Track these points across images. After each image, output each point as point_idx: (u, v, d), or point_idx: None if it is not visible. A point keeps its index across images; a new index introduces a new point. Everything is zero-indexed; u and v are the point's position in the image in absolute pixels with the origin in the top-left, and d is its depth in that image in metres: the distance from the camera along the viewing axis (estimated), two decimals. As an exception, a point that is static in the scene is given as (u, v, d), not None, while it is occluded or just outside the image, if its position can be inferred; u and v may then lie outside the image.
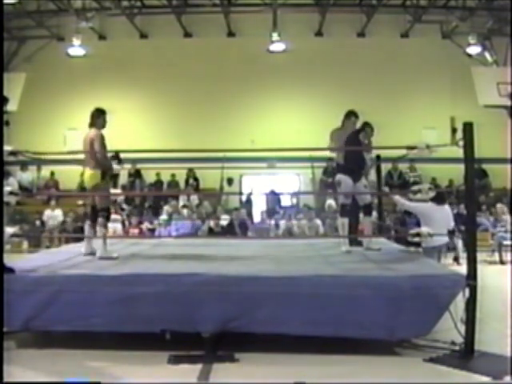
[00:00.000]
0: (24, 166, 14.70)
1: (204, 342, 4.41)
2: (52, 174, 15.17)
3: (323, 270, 5.00)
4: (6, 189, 4.97)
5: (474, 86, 14.90)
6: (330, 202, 12.46)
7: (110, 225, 10.86)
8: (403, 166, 15.07)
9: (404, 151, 5.73)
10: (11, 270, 4.56)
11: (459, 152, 4.65)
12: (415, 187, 5.64)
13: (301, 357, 4.34)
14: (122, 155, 6.59)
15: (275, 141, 13.98)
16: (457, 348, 4.37)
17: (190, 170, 15.02)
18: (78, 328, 4.52)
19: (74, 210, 12.64)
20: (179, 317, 4.43)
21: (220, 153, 10.78)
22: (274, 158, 13.20)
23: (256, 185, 15.46)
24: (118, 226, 11.29)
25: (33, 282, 4.56)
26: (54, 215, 13.14)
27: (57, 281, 4.56)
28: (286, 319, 4.41)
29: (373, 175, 8.43)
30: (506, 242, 10.70)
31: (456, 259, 9.89)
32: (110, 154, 5.88)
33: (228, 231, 11.36)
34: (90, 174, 5.58)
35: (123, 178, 15.00)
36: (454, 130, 14.30)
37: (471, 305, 4.35)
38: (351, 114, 6.24)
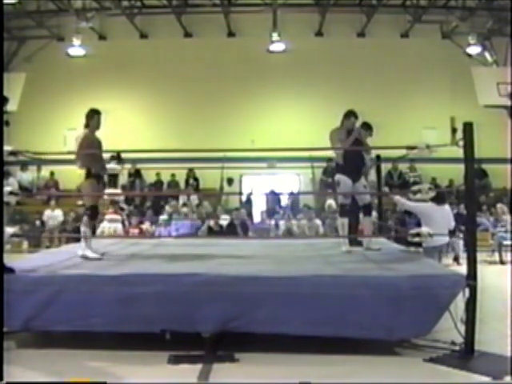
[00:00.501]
0: (24, 166, 14.71)
1: (204, 342, 4.41)
2: (52, 174, 15.18)
3: (323, 270, 5.00)
4: (6, 189, 4.97)
5: (474, 86, 14.91)
6: (330, 202, 12.47)
7: (109, 225, 11.05)
8: (403, 166, 15.07)
9: (404, 151, 5.73)
10: (11, 270, 4.56)
11: (459, 152, 4.65)
12: (415, 187, 5.63)
13: (301, 357, 4.34)
14: (122, 155, 6.63)
15: (275, 141, 13.99)
16: (457, 348, 4.37)
17: (190, 169, 15.03)
18: (78, 328, 4.52)
19: (74, 210, 12.63)
20: (179, 317, 4.43)
21: (220, 153, 10.79)
22: (274, 158, 13.22)
23: (256, 185, 15.46)
24: (118, 226, 11.28)
25: (33, 282, 4.56)
26: (53, 215, 13.14)
27: (57, 281, 4.56)
28: (286, 319, 4.40)
29: (373, 175, 8.44)
30: (506, 242, 10.69)
31: (456, 259, 9.90)
32: (109, 154, 5.89)
33: (229, 231, 11.36)
34: (78, 174, 5.63)
35: (123, 178, 15.03)
36: (453, 130, 14.30)
37: (471, 305, 4.35)
38: (350, 114, 6.22)
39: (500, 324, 5.15)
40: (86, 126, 5.71)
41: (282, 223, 12.44)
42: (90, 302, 4.45)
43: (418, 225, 7.13)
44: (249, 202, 14.19)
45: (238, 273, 4.76)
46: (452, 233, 7.16)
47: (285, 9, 14.87)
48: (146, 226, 12.15)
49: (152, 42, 16.06)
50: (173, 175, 15.30)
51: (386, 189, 11.32)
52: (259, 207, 13.95)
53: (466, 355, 4.29)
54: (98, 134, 5.82)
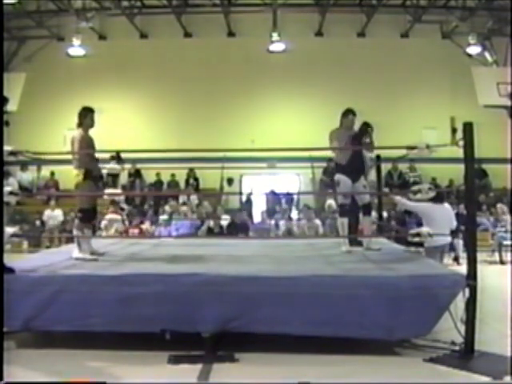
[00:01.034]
0: (24, 166, 14.71)
1: (204, 342, 4.41)
2: (52, 173, 15.18)
3: (323, 269, 5.00)
4: (6, 189, 4.96)
5: (474, 86, 14.91)
6: (330, 202, 12.47)
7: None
8: (403, 166, 15.08)
9: (404, 151, 5.73)
10: (11, 270, 4.56)
11: (459, 152, 4.65)
12: (415, 187, 5.62)
13: (301, 357, 4.34)
14: (122, 155, 6.60)
15: (275, 141, 13.98)
16: (457, 348, 4.37)
17: (191, 169, 15.03)
18: (78, 328, 4.52)
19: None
20: (179, 317, 4.43)
21: (220, 153, 10.78)
22: (274, 158, 13.22)
23: (256, 185, 15.46)
24: (119, 226, 11.28)
25: (33, 282, 4.56)
26: (53, 215, 13.14)
27: (57, 281, 4.56)
28: (286, 319, 4.40)
29: (373, 175, 8.43)
30: (506, 242, 10.70)
31: (456, 259, 9.90)
32: (109, 155, 5.86)
33: (229, 232, 11.37)
34: (74, 174, 5.55)
35: (123, 178, 15.04)
36: (454, 130, 14.30)
37: (471, 305, 4.35)
38: (348, 112, 6.22)
39: (500, 324, 5.15)
40: (80, 124, 5.58)
41: (282, 223, 12.44)
42: (89, 302, 4.45)
43: (418, 225, 7.13)
44: (249, 201, 14.18)
45: (237, 273, 4.76)
46: (454, 233, 7.15)
47: (285, 9, 14.87)
48: (145, 226, 12.15)
49: (152, 41, 16.07)
50: (173, 175, 15.30)
51: (386, 189, 11.32)
52: (259, 207, 13.95)
53: (466, 355, 4.29)
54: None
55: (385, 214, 10.03)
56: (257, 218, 13.45)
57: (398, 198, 7.20)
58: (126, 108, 15.94)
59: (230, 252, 6.23)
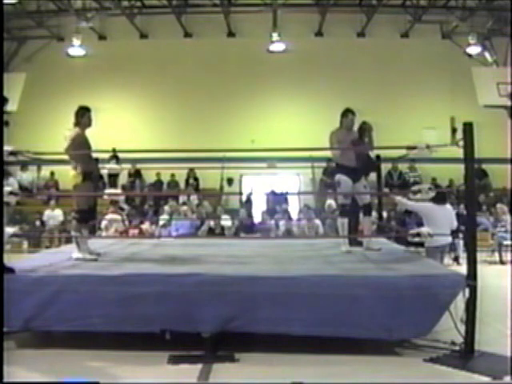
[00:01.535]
0: (24, 166, 14.71)
1: (204, 342, 4.41)
2: (52, 174, 15.18)
3: (323, 269, 5.00)
4: (6, 189, 4.96)
5: (474, 86, 14.92)
6: (330, 202, 12.46)
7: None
8: (403, 166, 15.08)
9: (404, 151, 5.73)
10: (11, 270, 4.56)
11: (459, 152, 4.64)
12: (415, 187, 5.62)
13: (301, 357, 4.34)
14: (121, 155, 6.60)
15: (275, 141, 14.00)
16: (457, 348, 4.37)
17: (191, 169, 15.03)
18: (78, 328, 4.52)
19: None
20: (179, 317, 4.43)
21: (220, 153, 10.78)
22: (274, 158, 13.20)
23: (256, 185, 15.45)
24: (119, 226, 11.27)
25: (33, 282, 4.56)
26: (53, 215, 13.13)
27: (57, 281, 4.57)
28: (286, 319, 4.40)
29: (373, 175, 8.42)
30: (506, 242, 10.69)
31: (456, 259, 9.90)
32: (109, 155, 5.86)
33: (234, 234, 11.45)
34: (72, 174, 5.51)
35: (123, 178, 15.05)
36: (454, 130, 14.29)
37: (471, 305, 4.35)
38: (347, 112, 6.23)
39: (500, 324, 5.15)
40: (76, 124, 5.53)
41: (282, 223, 12.44)
42: (89, 302, 4.46)
43: (418, 225, 7.13)
44: (249, 201, 14.18)
45: (238, 273, 4.76)
46: (454, 233, 7.15)
47: (285, 9, 14.87)
48: (145, 226, 12.15)
49: (152, 42, 16.07)
50: (173, 175, 15.30)
51: (386, 189, 11.32)
52: (259, 207, 13.95)
53: (466, 355, 4.29)
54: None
55: (385, 215, 10.02)
56: (257, 218, 13.45)
57: (398, 198, 7.20)
58: (126, 108, 15.95)
59: (230, 252, 6.24)
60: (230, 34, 16.10)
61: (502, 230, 11.07)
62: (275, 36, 15.28)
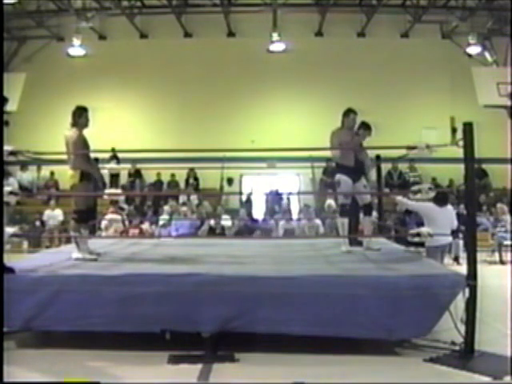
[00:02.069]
0: (24, 166, 14.71)
1: (204, 342, 4.41)
2: (52, 173, 15.18)
3: (323, 269, 5.00)
4: (6, 189, 4.96)
5: (474, 86, 14.91)
6: (330, 201, 12.46)
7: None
8: (403, 166, 15.07)
9: (404, 151, 5.73)
10: (11, 270, 4.56)
11: (459, 152, 4.64)
12: (415, 187, 5.62)
13: (301, 357, 4.34)
14: (121, 155, 6.60)
15: (275, 141, 14.00)
16: (457, 348, 4.37)
17: (191, 169, 15.03)
18: (78, 328, 4.52)
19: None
20: (179, 317, 4.43)
21: (220, 153, 10.78)
22: (274, 158, 13.21)
23: (256, 185, 15.45)
24: (119, 226, 11.27)
25: (33, 281, 4.56)
26: (53, 215, 13.13)
27: (57, 281, 4.56)
28: (286, 319, 4.40)
29: (373, 175, 8.42)
30: (506, 242, 10.69)
31: (456, 259, 9.90)
32: (109, 154, 5.85)
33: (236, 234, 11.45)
34: (70, 175, 5.50)
35: (123, 178, 15.05)
36: (454, 130, 14.30)
37: (471, 305, 4.35)
38: (349, 112, 6.21)
39: (500, 324, 5.15)
40: (74, 124, 5.50)
41: (282, 223, 12.44)
42: (89, 302, 4.45)
43: (418, 225, 7.12)
44: (249, 201, 14.19)
45: (237, 273, 4.76)
46: (454, 233, 7.15)
47: (285, 9, 14.87)
48: (145, 226, 12.15)
49: (152, 41, 16.07)
50: (173, 175, 15.30)
51: (386, 189, 11.31)
52: (259, 207, 13.95)
53: (465, 355, 4.29)
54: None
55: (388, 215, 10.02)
56: (257, 218, 13.45)
57: (399, 198, 7.20)
58: (126, 108, 15.95)
59: (230, 252, 6.24)
60: (230, 34, 16.11)
61: (502, 230, 11.07)
62: (275, 36, 15.28)
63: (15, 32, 15.41)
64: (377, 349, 4.49)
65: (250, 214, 13.33)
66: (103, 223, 10.68)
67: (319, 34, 16.05)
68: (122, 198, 12.90)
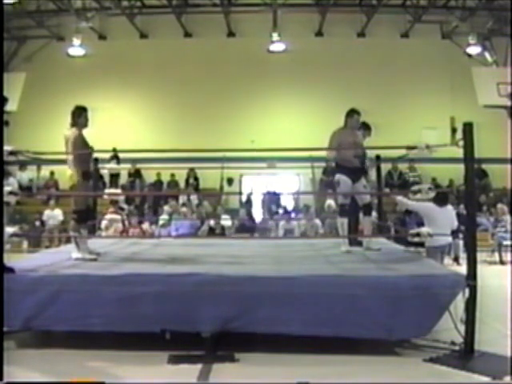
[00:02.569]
0: (24, 166, 14.71)
1: (204, 342, 4.41)
2: (52, 173, 15.18)
3: (323, 269, 5.00)
4: (6, 189, 4.96)
5: (474, 86, 14.92)
6: (330, 201, 12.45)
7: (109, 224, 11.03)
8: (403, 166, 15.07)
9: (404, 151, 5.73)
10: (11, 270, 4.56)
11: (459, 152, 4.64)
12: (415, 187, 5.62)
13: (301, 357, 4.34)
14: (121, 155, 6.60)
15: (275, 141, 14.00)
16: (457, 348, 4.37)
17: (191, 169, 15.03)
18: (78, 328, 4.52)
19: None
20: (179, 317, 4.43)
21: (220, 153, 10.79)
22: (274, 158, 13.21)
23: (256, 185, 15.46)
24: (119, 226, 11.27)
25: (33, 281, 4.55)
26: (53, 215, 13.13)
27: (57, 281, 4.56)
28: (286, 319, 4.40)
29: (373, 175, 8.42)
30: (506, 242, 10.69)
31: (456, 259, 9.90)
32: (109, 154, 5.85)
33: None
34: (69, 175, 5.50)
35: (123, 178, 15.05)
36: (453, 130, 14.31)
37: (471, 305, 4.35)
38: (353, 112, 6.19)
39: (500, 324, 5.15)
40: (73, 124, 5.49)
41: (282, 223, 12.44)
42: (89, 302, 4.45)
43: (418, 225, 7.12)
44: (249, 201, 14.19)
45: (238, 273, 4.76)
46: (454, 233, 7.15)
47: (285, 9, 14.87)
48: (145, 226, 12.15)
49: (152, 41, 16.07)
50: (173, 175, 15.30)
51: (386, 190, 11.31)
52: (259, 207, 13.95)
53: (465, 355, 4.29)
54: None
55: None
56: (257, 217, 13.45)
57: (399, 198, 7.20)
58: (126, 108, 15.95)
59: (230, 252, 6.24)
60: (230, 34, 16.11)
61: (502, 230, 11.07)
62: (275, 36, 15.29)
63: (15, 32, 15.41)
64: (376, 349, 4.49)
65: (249, 213, 13.33)
66: (103, 223, 10.66)
67: (319, 33, 16.05)
68: (122, 197, 12.90)
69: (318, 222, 11.67)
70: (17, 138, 9.77)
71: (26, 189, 14.21)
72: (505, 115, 15.21)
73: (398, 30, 15.99)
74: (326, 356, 4.33)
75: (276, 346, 4.41)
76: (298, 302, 4.41)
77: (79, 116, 5.54)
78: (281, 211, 13.48)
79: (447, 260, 8.06)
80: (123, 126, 15.42)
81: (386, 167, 13.38)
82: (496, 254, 10.68)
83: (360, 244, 6.33)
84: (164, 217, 12.22)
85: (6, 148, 4.75)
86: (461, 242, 9.22)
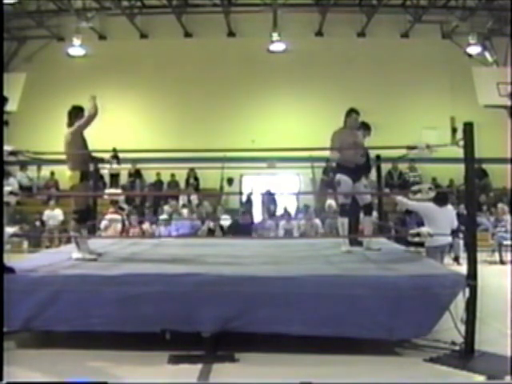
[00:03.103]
0: (23, 166, 14.70)
1: (204, 342, 4.41)
2: (52, 173, 15.17)
3: (323, 269, 5.00)
4: (6, 189, 4.96)
5: (474, 86, 14.92)
6: (330, 201, 12.46)
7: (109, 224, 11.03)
8: (403, 166, 15.07)
9: (404, 151, 5.73)
10: (11, 270, 4.56)
11: (459, 152, 4.64)
12: (415, 187, 5.62)
13: (301, 357, 4.34)
14: (121, 155, 6.60)
15: (275, 141, 14.00)
16: (457, 348, 4.37)
17: (191, 169, 15.03)
18: (78, 328, 4.52)
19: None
20: (179, 317, 4.43)
21: (220, 153, 10.79)
22: (274, 158, 13.20)
23: (256, 185, 15.45)
24: (118, 226, 11.27)
25: (33, 281, 4.55)
26: (53, 215, 13.12)
27: (57, 281, 4.56)
28: (286, 319, 4.40)
29: (373, 175, 8.42)
30: (506, 242, 10.69)
31: (456, 259, 9.90)
32: (109, 154, 5.85)
33: (229, 232, 11.38)
34: (68, 175, 5.48)
35: (123, 178, 15.05)
36: (454, 130, 14.31)
37: (471, 305, 4.35)
38: (352, 112, 6.20)
39: (500, 324, 5.15)
40: (70, 124, 5.49)
41: (282, 223, 12.44)
42: (89, 302, 4.45)
43: (418, 225, 7.12)
44: (249, 201, 14.18)
45: (238, 273, 4.76)
46: (454, 233, 7.15)
47: (285, 9, 14.87)
48: (145, 226, 12.15)
49: (152, 41, 16.07)
50: (173, 175, 15.29)
51: (386, 190, 11.32)
52: (259, 207, 13.95)
53: (466, 355, 4.28)
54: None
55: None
56: (257, 218, 13.46)
57: (399, 198, 7.21)
58: (126, 108, 15.94)
59: (230, 252, 6.24)
60: (230, 34, 16.11)
61: (502, 230, 11.07)
62: (275, 36, 15.28)
63: (15, 32, 15.41)
64: (377, 349, 4.49)
65: (250, 213, 13.32)
66: (103, 223, 10.66)
67: (319, 33, 16.05)
68: (122, 197, 12.90)
69: (318, 221, 11.66)
70: (17, 138, 9.76)
71: (26, 189, 14.20)
72: (505, 115, 15.21)
73: (398, 29, 15.99)
74: (325, 356, 4.33)
75: (276, 345, 4.41)
76: (298, 302, 4.41)
77: (76, 116, 5.56)
78: (280, 211, 13.46)
79: (447, 260, 8.07)
80: (123, 126, 15.42)
81: (386, 167, 13.38)
82: (496, 254, 10.68)
83: (360, 244, 6.33)
84: (164, 217, 12.22)
85: (6, 148, 4.75)
86: (461, 242, 9.22)
